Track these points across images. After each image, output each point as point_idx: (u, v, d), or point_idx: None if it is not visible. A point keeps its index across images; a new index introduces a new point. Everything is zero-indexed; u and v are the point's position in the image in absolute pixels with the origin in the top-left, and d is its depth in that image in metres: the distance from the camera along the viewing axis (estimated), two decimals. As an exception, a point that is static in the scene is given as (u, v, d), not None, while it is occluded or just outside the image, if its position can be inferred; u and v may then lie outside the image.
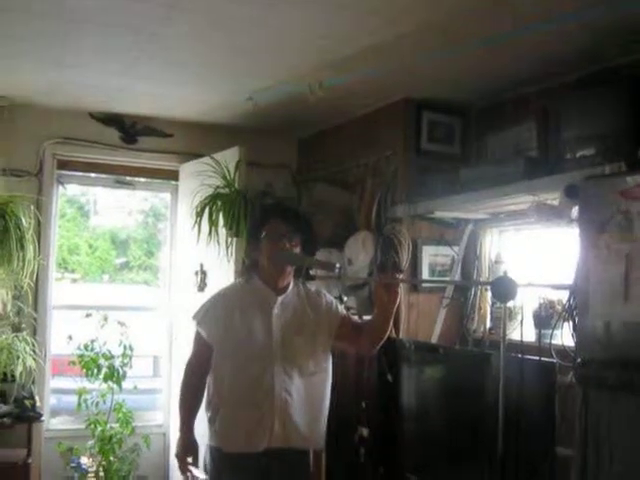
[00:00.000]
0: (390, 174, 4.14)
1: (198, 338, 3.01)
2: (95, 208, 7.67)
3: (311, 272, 3.02)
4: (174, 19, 3.14)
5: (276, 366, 2.87)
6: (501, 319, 3.80)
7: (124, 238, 7.86)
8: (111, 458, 4.77)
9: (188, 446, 2.98)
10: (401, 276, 3.83)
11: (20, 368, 4.30)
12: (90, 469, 4.81)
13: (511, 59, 3.45)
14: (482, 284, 4.06)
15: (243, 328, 2.90)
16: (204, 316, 3.00)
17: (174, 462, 3.10)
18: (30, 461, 4.33)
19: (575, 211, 2.89)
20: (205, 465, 3.03)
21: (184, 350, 3.44)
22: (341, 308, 3.13)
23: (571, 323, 2.84)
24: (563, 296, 3.26)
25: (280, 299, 2.95)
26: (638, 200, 2.49)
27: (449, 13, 2.95)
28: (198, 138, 5.05)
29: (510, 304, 3.18)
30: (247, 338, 2.89)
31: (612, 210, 2.57)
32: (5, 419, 4.19)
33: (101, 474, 4.78)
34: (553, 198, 3.10)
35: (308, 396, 2.94)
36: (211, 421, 2.95)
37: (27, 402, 4.34)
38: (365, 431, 3.88)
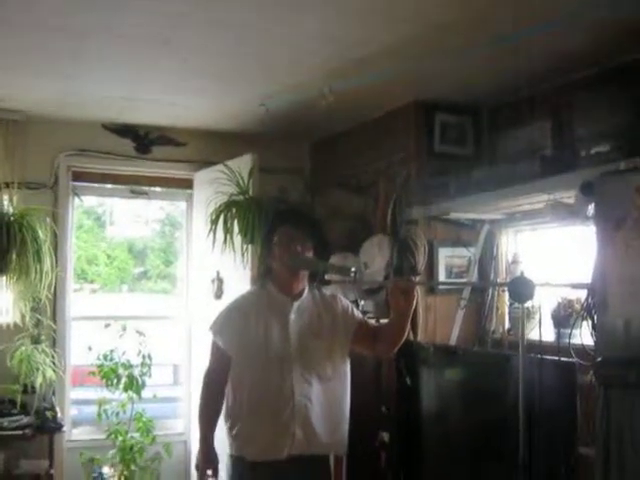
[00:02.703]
0: (404, 177, 4.13)
1: (215, 348, 2.99)
2: (112, 219, 7.71)
3: (327, 277, 3.01)
4: (185, 27, 3.15)
5: (295, 372, 2.85)
6: (519, 319, 3.81)
7: (141, 248, 7.90)
8: (132, 467, 4.78)
9: (208, 458, 2.95)
10: (417, 278, 3.82)
11: (40, 379, 4.33)
12: (112, 479, 4.83)
13: (522, 57, 3.41)
14: (499, 285, 4.03)
15: (260, 335, 2.89)
16: (221, 326, 2.99)
17: (195, 471, 3.10)
18: (52, 472, 4.36)
19: (591, 209, 2.87)
20: (227, 472, 3.03)
21: (203, 358, 3.44)
22: (357, 312, 3.12)
23: (590, 322, 2.81)
24: (582, 295, 3.23)
25: (296, 305, 2.94)
26: (655, 196, 2.47)
27: (459, 13, 2.94)
28: (211, 146, 5.07)
29: (528, 304, 3.15)
30: (265, 345, 2.88)
31: (628, 206, 2.55)
32: (27, 430, 4.23)
33: (123, 484, 4.81)
34: (568, 196, 3.07)
35: (328, 402, 2.92)
36: (231, 430, 2.93)
37: (48, 413, 4.38)
38: (386, 436, 3.86)
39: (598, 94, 3.17)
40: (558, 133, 3.62)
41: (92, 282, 7.56)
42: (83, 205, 5.32)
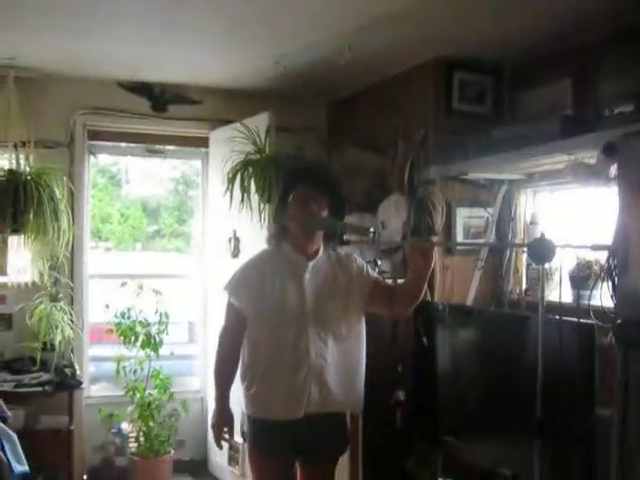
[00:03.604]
0: (422, 136, 4.08)
1: (230, 308, 3.00)
2: (126, 177, 7.69)
3: (345, 237, 3.00)
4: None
5: (310, 332, 2.87)
6: (536, 281, 3.79)
7: (155, 206, 7.89)
8: (151, 423, 4.86)
9: (224, 417, 2.99)
10: (435, 239, 3.80)
11: (59, 337, 4.40)
12: (131, 434, 4.91)
13: (544, 14, 3.35)
14: (519, 246, 3.99)
15: (275, 295, 2.89)
16: (236, 285, 2.99)
17: (212, 430, 3.13)
18: (72, 427, 4.43)
19: (613, 169, 2.82)
20: (242, 432, 3.07)
21: (219, 316, 3.45)
22: (372, 272, 3.12)
23: (610, 283, 2.79)
24: (600, 257, 3.21)
25: (311, 264, 2.93)
26: (680, 157, 2.43)
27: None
28: (227, 104, 5.03)
29: (547, 266, 3.13)
30: (280, 305, 2.88)
31: (653, 168, 2.51)
32: (47, 387, 4.29)
33: (141, 439, 4.88)
34: (590, 157, 3.03)
35: (343, 361, 2.94)
36: (248, 390, 2.95)
37: (67, 370, 4.43)
38: (402, 394, 3.88)
39: (622, 52, 3.09)
40: (580, 92, 3.56)
41: (106, 240, 7.58)
42: (97, 164, 5.29)
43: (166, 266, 6.76)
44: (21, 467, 3.66)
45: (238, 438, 3.74)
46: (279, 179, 4.09)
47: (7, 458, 3.57)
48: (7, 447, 3.65)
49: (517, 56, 3.96)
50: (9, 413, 3.93)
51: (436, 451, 3.75)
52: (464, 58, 4.05)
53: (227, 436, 3.02)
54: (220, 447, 3.03)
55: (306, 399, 2.86)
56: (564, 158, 3.21)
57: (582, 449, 2.78)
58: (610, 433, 2.64)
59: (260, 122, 4.44)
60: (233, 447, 4.58)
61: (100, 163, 5.51)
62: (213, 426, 3.02)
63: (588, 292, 3.15)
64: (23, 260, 4.56)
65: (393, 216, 4.00)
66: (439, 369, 3.66)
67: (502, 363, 3.23)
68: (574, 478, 2.85)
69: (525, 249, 3.55)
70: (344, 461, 3.53)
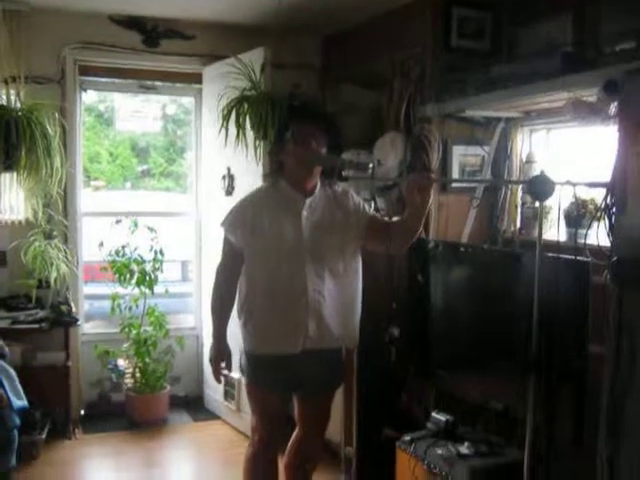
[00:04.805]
0: (419, 72, 4.03)
1: (227, 244, 3.02)
2: (114, 116, 7.59)
3: (344, 173, 2.99)
4: None
5: (307, 268, 2.89)
6: (531, 219, 3.80)
7: (144, 145, 7.83)
8: (146, 360, 4.91)
9: (221, 351, 3.03)
10: (432, 176, 3.79)
11: (54, 274, 4.39)
12: (127, 370, 4.97)
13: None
14: (519, 183, 3.98)
15: (272, 231, 2.90)
16: (232, 222, 3.00)
17: (207, 363, 3.17)
18: (69, 363, 4.48)
19: (614, 107, 2.80)
20: (240, 366, 3.11)
21: (213, 254, 3.45)
22: (369, 208, 3.13)
23: (607, 221, 2.80)
24: (596, 196, 3.21)
25: (308, 201, 2.94)
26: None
27: None
28: (221, 39, 4.94)
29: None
30: (277, 241, 2.90)
31: (655, 106, 2.49)
32: (43, 324, 4.32)
33: (137, 375, 4.94)
34: (590, 94, 3.00)
35: (340, 297, 2.97)
36: (245, 326, 2.99)
37: (63, 307, 4.46)
38: (396, 331, 3.92)
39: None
40: (580, 29, 3.50)
41: (95, 179, 7.54)
42: (84, 102, 5.20)
43: (158, 205, 6.75)
44: (20, 402, 3.72)
45: (235, 374, 3.79)
46: (275, 116, 4.05)
47: (6, 393, 3.61)
48: (6, 383, 3.69)
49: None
50: (7, 350, 3.97)
51: (429, 386, 3.81)
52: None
53: (225, 370, 3.06)
54: (219, 381, 3.08)
55: (303, 334, 2.90)
56: (563, 96, 3.18)
57: (574, 385, 2.82)
58: (602, 370, 2.68)
59: (255, 57, 4.37)
60: (229, 382, 4.65)
61: (87, 101, 5.40)
62: (211, 360, 3.06)
63: (583, 231, 3.15)
64: (16, 198, 4.53)
65: (389, 154, 3.97)
66: (433, 306, 3.69)
67: (495, 300, 3.26)
68: (564, 414, 2.91)
69: (524, 186, 3.54)
70: (339, 396, 3.58)
